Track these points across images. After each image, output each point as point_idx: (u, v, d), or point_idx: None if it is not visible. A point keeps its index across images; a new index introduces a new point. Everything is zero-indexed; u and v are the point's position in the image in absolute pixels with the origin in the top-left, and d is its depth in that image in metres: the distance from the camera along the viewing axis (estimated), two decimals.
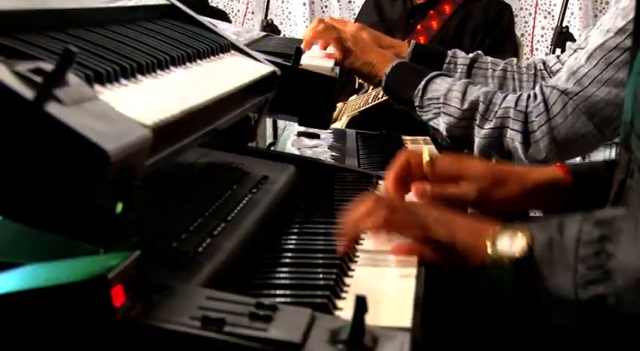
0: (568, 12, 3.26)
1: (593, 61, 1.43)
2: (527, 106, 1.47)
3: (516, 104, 1.48)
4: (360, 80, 2.67)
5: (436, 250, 0.96)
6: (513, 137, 1.48)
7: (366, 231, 1.01)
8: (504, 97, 1.51)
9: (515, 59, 1.84)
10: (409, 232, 0.97)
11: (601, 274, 0.82)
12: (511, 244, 0.88)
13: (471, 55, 1.80)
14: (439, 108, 1.56)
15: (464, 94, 1.53)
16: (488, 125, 1.50)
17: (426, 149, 1.16)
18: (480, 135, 1.52)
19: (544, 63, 1.82)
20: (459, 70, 1.77)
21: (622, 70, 1.40)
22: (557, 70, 1.73)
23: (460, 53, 1.80)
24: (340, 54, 1.68)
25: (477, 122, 1.51)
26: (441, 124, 1.57)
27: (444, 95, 1.54)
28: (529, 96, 1.49)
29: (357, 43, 1.71)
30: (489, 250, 0.89)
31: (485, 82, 1.76)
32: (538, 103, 1.46)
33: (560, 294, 0.85)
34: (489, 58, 1.81)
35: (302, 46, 1.66)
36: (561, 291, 0.85)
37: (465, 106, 1.52)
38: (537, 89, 1.49)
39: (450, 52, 1.80)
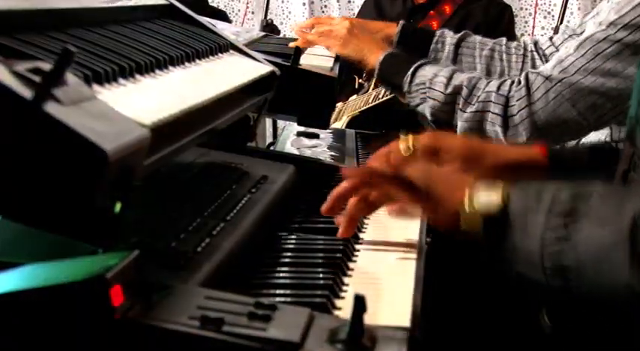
0: (567, 12, 3.25)
1: (581, 50, 1.44)
2: (509, 91, 1.49)
3: (498, 89, 1.50)
4: (360, 80, 2.67)
5: (416, 199, 0.97)
6: (494, 121, 1.49)
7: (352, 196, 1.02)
8: (488, 83, 1.53)
9: (504, 39, 1.84)
10: (389, 184, 0.99)
11: (567, 247, 0.83)
12: (487, 199, 0.90)
13: (458, 34, 1.81)
14: (425, 93, 1.57)
15: (449, 79, 1.55)
16: (470, 109, 1.52)
17: (402, 137, 1.18)
18: (462, 119, 1.53)
19: (536, 44, 1.82)
20: (447, 50, 1.78)
21: (610, 61, 1.41)
22: (551, 53, 1.74)
23: (448, 33, 1.82)
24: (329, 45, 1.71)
25: (460, 106, 1.53)
26: (427, 108, 1.58)
27: (429, 80, 1.56)
28: (513, 82, 1.50)
29: (350, 32, 1.73)
30: (465, 201, 0.90)
31: (472, 62, 1.78)
32: (520, 87, 1.48)
33: (528, 258, 0.86)
34: (478, 38, 1.82)
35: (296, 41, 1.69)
36: (529, 256, 0.86)
37: (449, 90, 1.54)
38: (522, 76, 1.50)
39: (438, 32, 1.82)
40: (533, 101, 1.46)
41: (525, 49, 1.81)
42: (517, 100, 1.47)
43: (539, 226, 0.85)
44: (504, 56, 1.80)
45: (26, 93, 0.64)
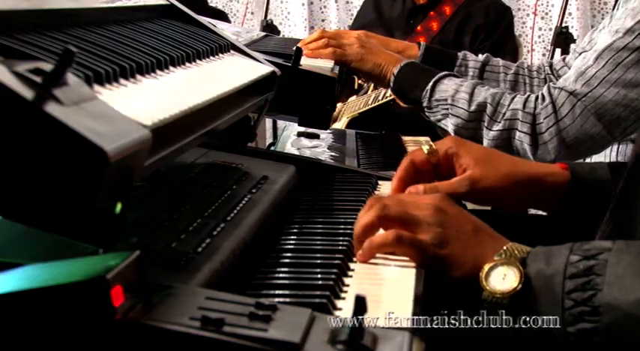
0: (565, 13, 3.26)
1: (601, 61, 1.42)
2: (535, 108, 1.47)
3: (524, 106, 1.48)
4: (359, 81, 2.67)
5: (422, 256, 0.94)
6: (522, 139, 1.48)
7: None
8: (512, 99, 1.51)
9: (525, 62, 1.84)
10: (398, 227, 0.95)
11: (588, 310, 0.82)
12: (504, 279, 0.87)
13: (481, 57, 1.80)
14: (447, 109, 1.56)
15: (471, 95, 1.53)
16: (497, 127, 1.50)
17: (424, 143, 1.17)
18: (488, 137, 1.52)
19: (551, 66, 1.82)
20: (470, 74, 1.77)
21: (630, 71, 1.40)
22: (564, 74, 1.73)
23: (471, 56, 1.80)
24: (342, 63, 1.69)
25: (485, 124, 1.51)
26: (449, 125, 1.57)
27: (451, 96, 1.54)
28: (537, 97, 1.49)
29: (364, 46, 1.71)
30: (483, 284, 0.88)
31: (497, 86, 1.76)
32: (546, 104, 1.46)
33: (548, 328, 0.84)
34: (501, 62, 1.81)
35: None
36: (550, 325, 0.84)
37: (473, 107, 1.52)
38: (545, 90, 1.48)
39: (460, 55, 1.80)
40: (561, 117, 1.44)
41: (545, 72, 1.80)
42: (545, 118, 1.46)
43: (557, 294, 0.83)
44: (527, 80, 1.79)
45: (27, 93, 0.64)
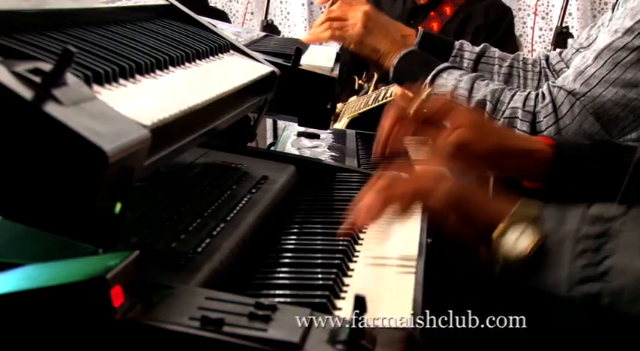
0: (566, 13, 3.26)
1: (600, 61, 1.43)
2: (535, 106, 1.47)
3: (524, 104, 1.48)
4: (360, 81, 2.67)
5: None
6: None
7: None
8: (512, 96, 1.51)
9: (521, 54, 1.84)
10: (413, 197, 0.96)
11: (595, 273, 0.82)
12: (518, 240, 0.87)
13: (478, 48, 1.80)
14: None
15: (470, 91, 1.53)
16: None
17: (423, 89, 1.17)
18: None
19: (547, 60, 1.82)
20: (465, 64, 1.77)
21: (629, 70, 1.40)
22: (561, 69, 1.73)
23: (467, 46, 1.80)
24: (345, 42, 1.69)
25: None
26: None
27: (450, 92, 1.55)
28: (537, 95, 1.49)
29: (366, 26, 1.69)
30: (496, 246, 0.88)
31: (490, 78, 1.76)
32: (546, 103, 1.46)
33: (554, 291, 0.85)
34: (497, 53, 1.81)
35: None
36: (556, 287, 0.84)
37: (472, 104, 1.52)
38: (545, 89, 1.48)
39: (457, 44, 1.80)
40: (561, 117, 1.45)
41: (540, 65, 1.80)
42: (544, 117, 1.46)
43: (565, 256, 0.83)
44: (521, 73, 1.79)
45: (26, 93, 0.64)
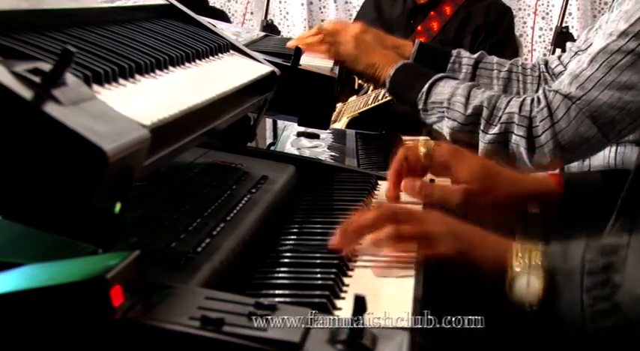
0: (566, 13, 3.26)
1: (595, 64, 1.42)
2: (531, 111, 1.47)
3: (520, 109, 1.48)
4: (359, 81, 2.67)
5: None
6: (518, 142, 1.48)
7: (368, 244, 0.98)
8: (508, 102, 1.50)
9: (520, 60, 1.83)
10: (414, 246, 0.96)
11: (608, 307, 0.81)
12: (528, 287, 0.87)
13: (475, 55, 1.80)
14: (443, 112, 1.55)
15: (467, 98, 1.52)
16: (493, 130, 1.50)
17: (422, 141, 1.18)
18: (484, 140, 1.51)
19: (546, 64, 1.82)
20: (464, 71, 1.77)
21: (625, 73, 1.39)
22: (560, 73, 1.73)
23: (464, 53, 1.80)
24: (337, 61, 1.69)
25: (482, 127, 1.51)
26: (445, 128, 1.56)
27: (447, 100, 1.54)
28: (532, 100, 1.48)
29: (359, 46, 1.70)
30: (510, 296, 0.88)
31: (490, 83, 1.76)
32: (542, 107, 1.46)
33: (569, 324, 0.84)
34: (495, 59, 1.80)
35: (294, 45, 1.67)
36: (570, 321, 0.84)
37: (469, 111, 1.51)
38: (540, 93, 1.48)
39: (454, 52, 1.80)
40: (557, 120, 1.44)
41: (539, 70, 1.80)
42: (540, 121, 1.46)
43: (575, 292, 0.83)
44: (520, 77, 1.79)
45: (26, 93, 0.64)
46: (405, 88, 1.62)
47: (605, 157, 1.62)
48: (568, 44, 1.82)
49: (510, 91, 1.76)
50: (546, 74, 1.80)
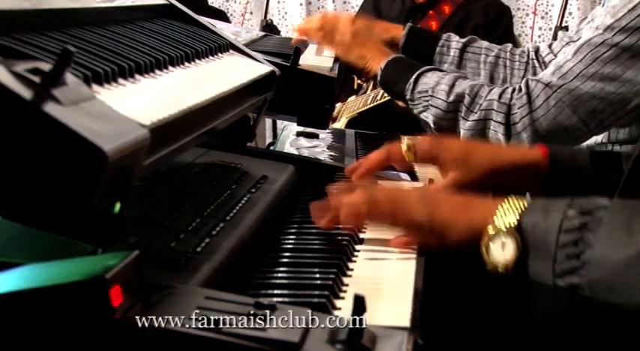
0: (565, 12, 3.26)
1: (579, 55, 1.44)
2: (510, 99, 1.49)
3: (500, 97, 1.50)
4: (358, 81, 2.67)
5: (420, 234, 0.97)
6: (496, 129, 1.49)
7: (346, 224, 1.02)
8: (490, 90, 1.52)
9: (509, 45, 1.85)
10: (391, 221, 0.98)
11: (577, 264, 0.82)
12: (503, 249, 0.88)
13: (464, 39, 1.81)
14: (427, 101, 1.57)
15: (451, 86, 1.54)
16: (473, 117, 1.51)
17: (405, 139, 1.19)
18: (464, 127, 1.53)
19: (537, 51, 1.82)
20: (452, 54, 1.78)
21: (608, 65, 1.41)
22: (550, 61, 1.74)
23: (454, 37, 1.81)
24: (332, 49, 1.71)
25: (462, 114, 1.53)
26: (429, 116, 1.58)
27: (432, 88, 1.56)
28: (514, 89, 1.50)
29: (354, 37, 1.72)
30: (486, 259, 0.89)
31: (477, 68, 1.78)
32: (521, 95, 1.48)
33: (540, 281, 0.85)
34: (484, 43, 1.82)
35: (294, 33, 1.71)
36: (542, 278, 0.85)
37: (451, 98, 1.53)
38: (523, 83, 1.50)
39: (444, 36, 1.81)
40: (535, 109, 1.46)
41: (528, 56, 1.81)
42: (519, 108, 1.47)
43: (550, 248, 0.84)
44: (508, 63, 1.80)
45: (25, 93, 0.64)
46: (394, 79, 1.64)
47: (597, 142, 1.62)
48: (560, 34, 1.83)
49: (497, 76, 1.78)
50: (535, 61, 1.81)
